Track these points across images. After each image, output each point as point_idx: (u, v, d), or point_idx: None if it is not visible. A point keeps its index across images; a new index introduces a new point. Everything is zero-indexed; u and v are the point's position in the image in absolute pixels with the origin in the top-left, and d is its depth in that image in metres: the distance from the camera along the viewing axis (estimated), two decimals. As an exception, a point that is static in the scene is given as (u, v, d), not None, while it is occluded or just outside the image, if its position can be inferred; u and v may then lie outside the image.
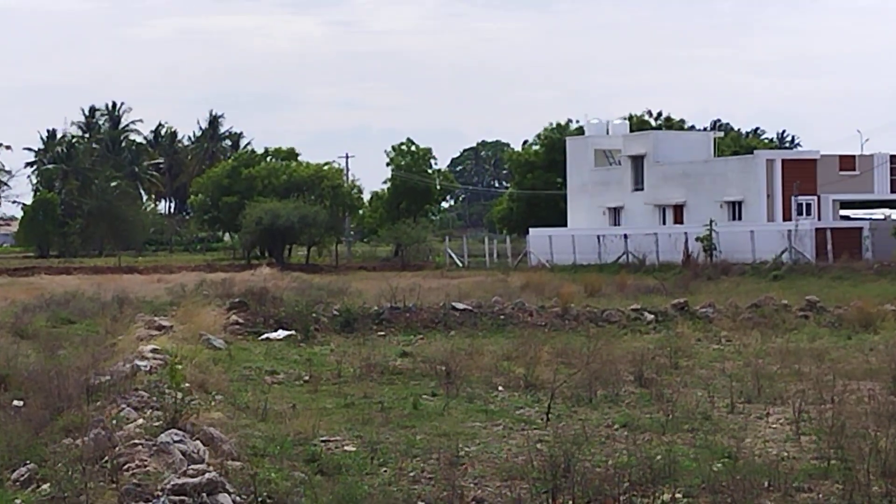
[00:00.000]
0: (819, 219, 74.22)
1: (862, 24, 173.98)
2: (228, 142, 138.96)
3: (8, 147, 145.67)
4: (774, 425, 17.93)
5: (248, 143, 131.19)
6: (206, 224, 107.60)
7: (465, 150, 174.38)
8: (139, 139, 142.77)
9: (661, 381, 21.69)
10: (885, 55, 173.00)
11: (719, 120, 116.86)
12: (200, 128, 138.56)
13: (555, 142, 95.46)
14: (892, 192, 79.67)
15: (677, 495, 13.46)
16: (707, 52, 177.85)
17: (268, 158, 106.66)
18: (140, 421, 15.33)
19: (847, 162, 79.05)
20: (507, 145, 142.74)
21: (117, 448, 13.65)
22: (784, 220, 73.19)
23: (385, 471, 14.86)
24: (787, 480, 13.90)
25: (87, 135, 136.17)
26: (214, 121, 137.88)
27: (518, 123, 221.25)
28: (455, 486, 13.32)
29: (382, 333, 30.98)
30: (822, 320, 32.82)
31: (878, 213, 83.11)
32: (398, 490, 13.73)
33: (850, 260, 61.98)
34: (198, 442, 14.19)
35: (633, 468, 14.18)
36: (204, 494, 11.84)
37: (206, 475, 12.13)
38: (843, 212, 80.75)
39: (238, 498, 12.39)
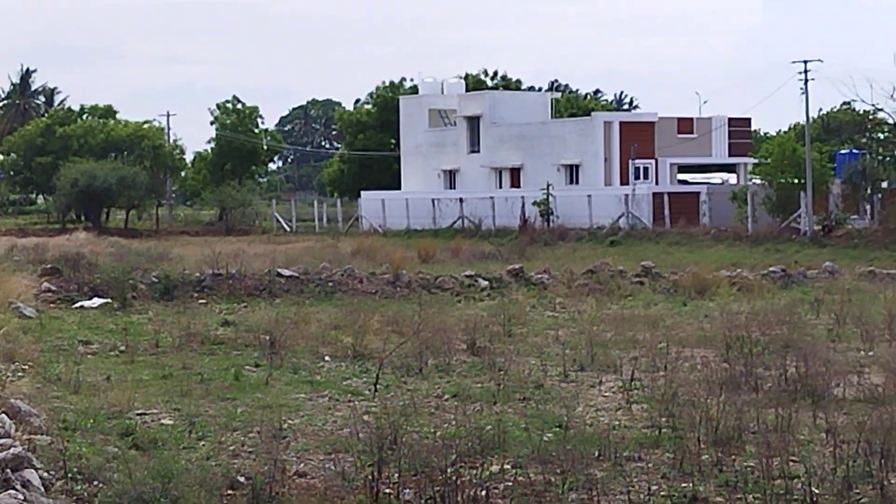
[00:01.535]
0: (657, 183, 74.72)
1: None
2: (42, 98, 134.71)
3: None
4: (607, 394, 17.70)
5: (64, 100, 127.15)
6: (17, 186, 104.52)
7: (293, 109, 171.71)
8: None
9: (494, 350, 21.33)
10: (723, 16, 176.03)
11: (557, 80, 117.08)
12: (11, 83, 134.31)
13: (388, 101, 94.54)
14: (730, 155, 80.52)
15: (506, 466, 13.22)
16: (546, 10, 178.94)
17: (84, 116, 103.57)
18: (-61, 395, 14.65)
19: (685, 125, 79.59)
20: (339, 104, 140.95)
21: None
22: (622, 184, 73.52)
23: (203, 445, 14.38)
24: (617, 450, 13.67)
25: None
26: (26, 75, 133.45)
27: (350, 81, 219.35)
28: (277, 461, 12.81)
29: (204, 301, 30.12)
30: (657, 286, 32.83)
31: (716, 178, 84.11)
32: (217, 465, 13.28)
33: (687, 225, 62.53)
34: (3, 415, 13.64)
35: (461, 439, 13.84)
36: (9, 470, 11.36)
37: (12, 450, 11.68)
38: (680, 176, 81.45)
39: (46, 474, 11.94)
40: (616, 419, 15.74)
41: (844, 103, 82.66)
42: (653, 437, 14.48)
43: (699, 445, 13.56)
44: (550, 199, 69.55)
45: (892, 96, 61.03)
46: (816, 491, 12.08)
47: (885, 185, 64.85)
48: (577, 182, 76.59)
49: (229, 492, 12.39)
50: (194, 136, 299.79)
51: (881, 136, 69.32)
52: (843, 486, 12.09)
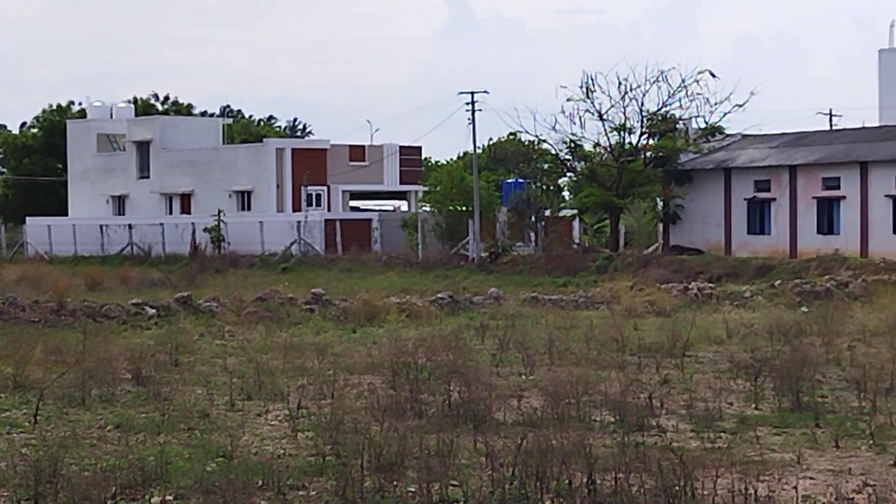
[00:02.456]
0: (329, 210, 75.23)
1: (372, 10, 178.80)
2: None
3: None
4: (273, 422, 17.64)
5: None
6: None
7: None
8: None
9: (160, 379, 20.98)
10: (396, 46, 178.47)
11: (229, 106, 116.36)
12: None
13: (55, 125, 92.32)
14: (401, 183, 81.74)
15: (168, 497, 13.01)
16: (221, 34, 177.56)
17: None
18: None
19: (357, 152, 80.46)
20: (3, 127, 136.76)
21: None
22: (294, 210, 73.72)
23: None
24: (280, 478, 13.62)
25: None
26: None
27: (15, 104, 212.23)
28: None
29: None
30: (327, 313, 32.95)
31: (388, 205, 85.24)
32: None
33: (359, 252, 63.14)
34: None
35: (122, 470, 13.60)
36: None
37: None
38: (353, 203, 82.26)
39: None
40: (281, 448, 15.71)
41: (511, 134, 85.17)
42: (317, 464, 14.51)
43: (362, 472, 13.66)
44: (222, 225, 69.14)
45: (553, 128, 63.18)
46: (474, 514, 12.34)
47: (548, 213, 67.01)
48: (249, 208, 76.44)
49: None
50: None
51: (545, 165, 71.60)
52: (500, 509, 12.38)
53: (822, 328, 27.12)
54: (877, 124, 70.54)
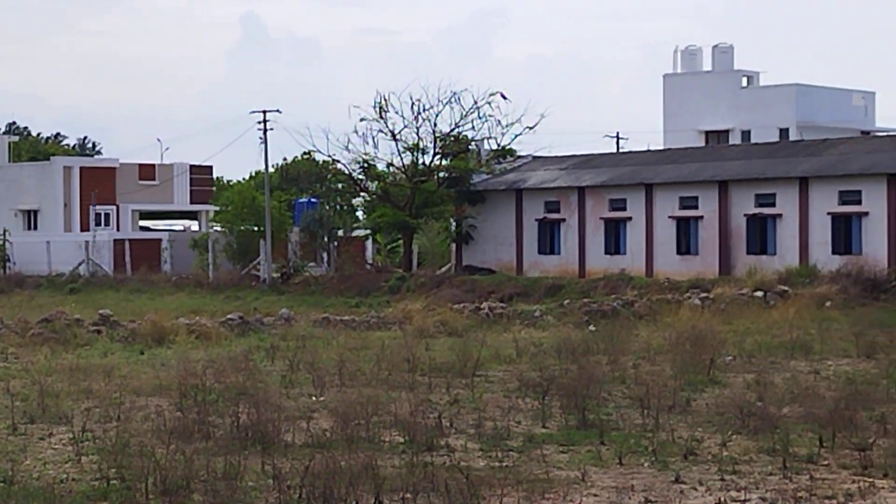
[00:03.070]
0: (118, 230, 74.02)
1: (164, 27, 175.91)
2: None
3: None
4: (57, 446, 17.26)
5: None
6: None
7: None
8: None
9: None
10: (188, 65, 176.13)
11: (15, 123, 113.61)
12: None
13: None
14: (192, 203, 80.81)
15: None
16: (7, 50, 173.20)
17: None
18: None
19: (147, 171, 79.32)
20: None
21: None
22: (82, 230, 72.35)
23: None
24: (63, 503, 13.33)
25: None
26: None
27: None
28: None
29: None
30: (115, 335, 32.39)
31: (179, 225, 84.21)
32: None
33: (149, 272, 62.25)
34: None
35: None
36: None
37: None
38: (142, 222, 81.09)
39: None
40: (64, 472, 15.38)
41: (304, 153, 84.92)
42: (101, 489, 14.24)
43: (147, 496, 13.45)
44: (7, 245, 67.49)
45: (346, 147, 63.22)
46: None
47: (341, 233, 67.02)
48: (35, 228, 74.76)
49: None
50: None
51: (338, 185, 71.62)
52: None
53: (608, 347, 27.65)
54: (662, 147, 72.48)
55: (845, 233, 50.89)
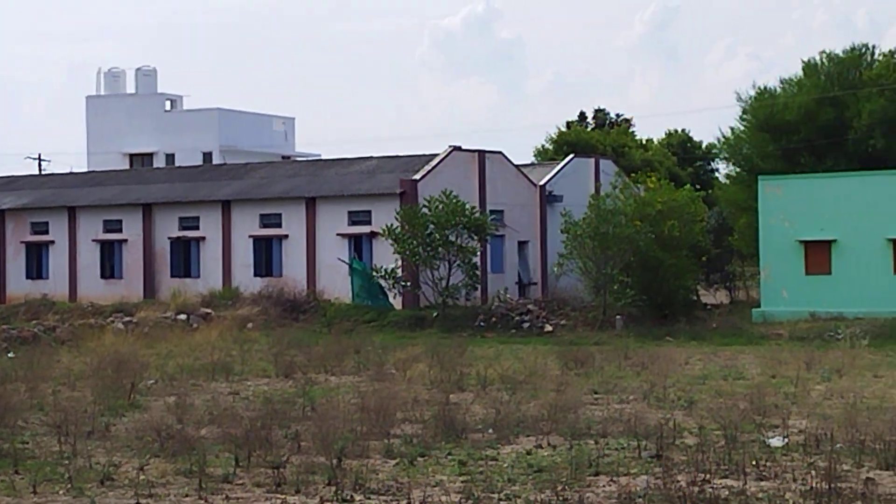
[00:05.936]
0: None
1: None
2: None
3: None
4: None
5: None
6: None
7: None
8: None
9: None
10: None
11: None
12: None
13: None
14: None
15: None
16: None
17: None
18: None
19: None
20: None
21: None
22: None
23: None
24: None
25: None
26: None
27: None
28: None
29: None
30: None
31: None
32: None
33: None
34: None
35: None
36: None
37: None
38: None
39: None
40: None
41: None
42: None
43: None
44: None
45: None
46: None
47: None
48: None
49: None
50: None
51: None
52: None
53: (27, 373, 27.08)
54: (86, 170, 71.61)
55: (266, 255, 52.18)
